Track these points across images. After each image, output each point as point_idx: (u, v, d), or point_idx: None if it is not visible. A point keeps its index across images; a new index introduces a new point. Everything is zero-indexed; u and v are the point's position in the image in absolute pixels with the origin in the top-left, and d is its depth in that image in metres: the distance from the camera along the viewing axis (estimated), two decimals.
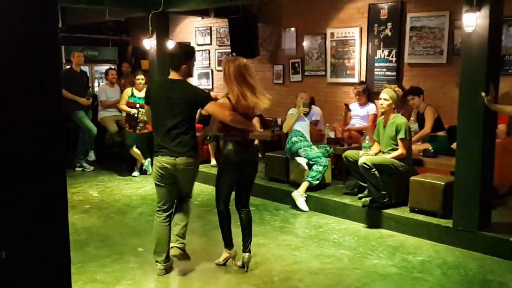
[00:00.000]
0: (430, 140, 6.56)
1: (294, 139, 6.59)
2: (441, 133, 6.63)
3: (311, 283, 4.27)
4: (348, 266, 4.64)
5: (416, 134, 6.59)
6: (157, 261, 4.39)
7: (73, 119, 8.67)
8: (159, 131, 4.24)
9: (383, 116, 6.02)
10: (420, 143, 6.56)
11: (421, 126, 6.77)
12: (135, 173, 8.41)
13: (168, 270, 4.41)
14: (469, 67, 4.93)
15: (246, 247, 4.48)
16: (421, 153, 6.15)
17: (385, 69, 7.81)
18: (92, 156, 8.92)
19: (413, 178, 5.66)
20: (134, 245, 5.14)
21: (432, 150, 6.08)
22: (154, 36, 8.54)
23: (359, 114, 7.67)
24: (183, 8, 8.44)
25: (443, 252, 4.96)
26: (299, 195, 6.31)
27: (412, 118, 6.94)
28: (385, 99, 5.85)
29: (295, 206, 6.33)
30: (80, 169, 8.79)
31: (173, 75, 4.28)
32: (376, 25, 7.85)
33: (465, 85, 4.99)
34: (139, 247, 5.08)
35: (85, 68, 10.55)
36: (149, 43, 8.62)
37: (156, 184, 4.37)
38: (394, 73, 7.70)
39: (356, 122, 7.66)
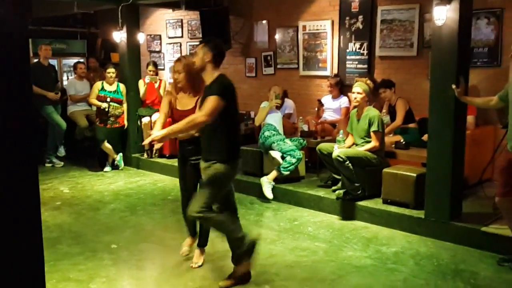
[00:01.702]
0: (401, 132, 6.63)
1: (266, 133, 6.59)
2: (412, 125, 6.72)
3: (287, 276, 4.28)
4: (323, 258, 4.67)
5: (388, 127, 6.66)
6: None
7: (41, 114, 8.49)
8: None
9: (356, 109, 6.06)
10: (391, 135, 6.63)
11: (393, 118, 6.85)
12: (107, 168, 8.29)
13: None
14: (439, 60, 4.99)
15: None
16: (393, 145, 6.23)
17: (356, 62, 7.86)
18: (62, 151, 8.75)
19: (385, 170, 5.72)
20: (107, 242, 5.07)
21: (403, 142, 6.16)
22: (124, 28, 8.39)
23: (332, 107, 7.71)
24: (154, 0, 8.33)
25: (415, 242, 5.04)
26: (266, 182, 6.35)
27: (384, 111, 7.00)
28: (358, 93, 5.89)
29: (262, 195, 6.37)
30: (50, 165, 8.62)
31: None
32: (347, 18, 7.88)
33: (436, 78, 5.06)
34: (112, 244, 5.01)
35: (54, 62, 10.34)
36: (119, 36, 8.47)
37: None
38: (365, 66, 7.75)
39: (329, 115, 7.69)
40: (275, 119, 6.76)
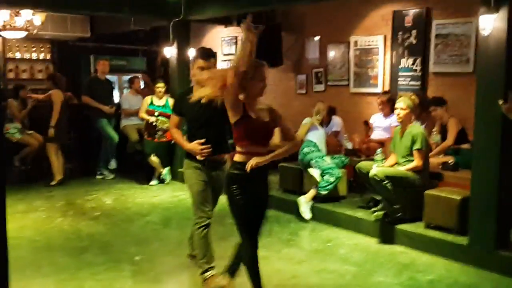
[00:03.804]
0: (453, 153, 6.19)
1: (305, 150, 6.36)
2: (465, 146, 6.25)
3: None
4: (350, 283, 4.36)
5: (438, 146, 6.25)
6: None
7: (96, 127, 8.72)
8: None
9: (400, 126, 5.73)
10: (442, 156, 6.20)
11: (444, 138, 6.41)
12: (153, 182, 8.34)
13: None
14: (486, 73, 4.62)
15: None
16: (440, 166, 5.81)
17: (409, 78, 7.48)
18: (113, 164, 8.91)
19: (428, 192, 5.32)
20: (133, 254, 5.02)
21: (451, 163, 5.73)
22: (175, 44, 8.48)
23: (382, 126, 7.33)
24: (203, 16, 8.36)
25: (455, 271, 4.61)
26: (304, 202, 6.11)
27: (434, 130, 6.59)
28: (402, 108, 5.57)
29: (300, 214, 6.14)
30: (100, 176, 8.78)
31: None
32: (400, 32, 7.54)
33: (482, 93, 4.68)
34: (136, 256, 4.95)
35: (114, 78, 10.65)
36: (170, 52, 8.58)
37: None
38: (418, 83, 7.36)
39: (379, 134, 7.31)
40: (316, 136, 6.52)
